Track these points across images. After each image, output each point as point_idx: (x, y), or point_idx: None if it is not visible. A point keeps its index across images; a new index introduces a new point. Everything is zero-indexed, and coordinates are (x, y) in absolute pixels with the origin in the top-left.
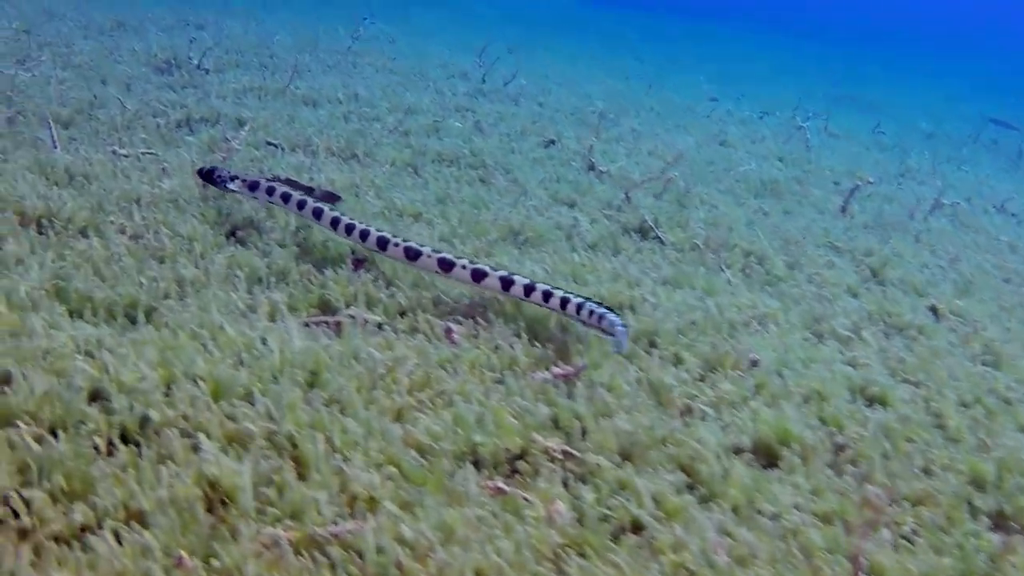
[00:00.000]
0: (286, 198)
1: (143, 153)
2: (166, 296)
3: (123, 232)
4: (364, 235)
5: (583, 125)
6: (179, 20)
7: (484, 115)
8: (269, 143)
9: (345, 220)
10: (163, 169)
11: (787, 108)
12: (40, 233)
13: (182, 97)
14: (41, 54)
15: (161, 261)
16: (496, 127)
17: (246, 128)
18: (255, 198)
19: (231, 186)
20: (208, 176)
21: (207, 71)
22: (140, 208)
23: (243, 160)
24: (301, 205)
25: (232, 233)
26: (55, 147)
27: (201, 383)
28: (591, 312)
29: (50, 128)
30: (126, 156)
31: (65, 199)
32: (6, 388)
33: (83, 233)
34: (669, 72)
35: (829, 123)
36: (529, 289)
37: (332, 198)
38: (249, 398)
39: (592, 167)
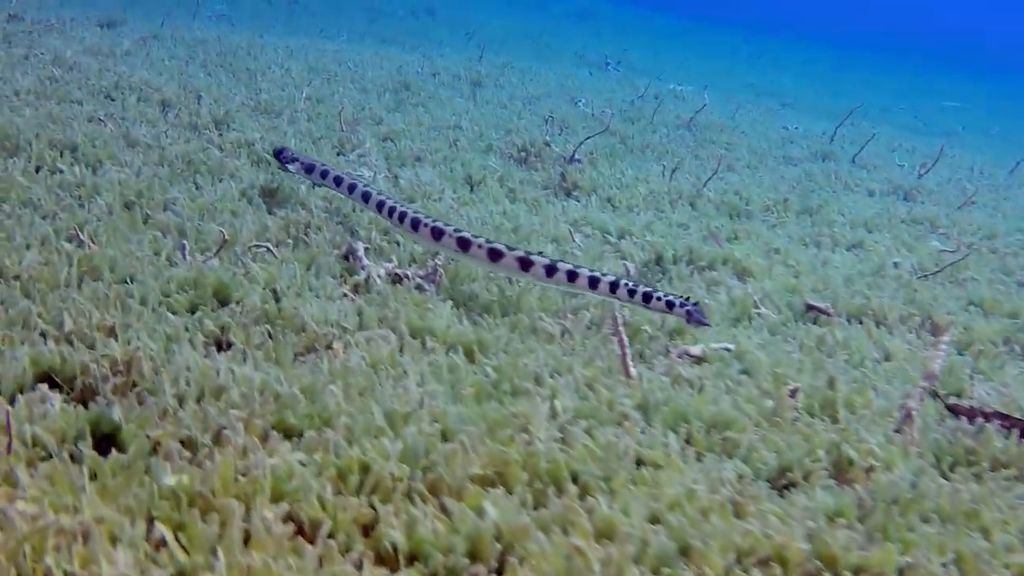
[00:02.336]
0: (338, 181)
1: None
2: None
3: None
4: (402, 217)
5: None
6: (453, 76)
7: (971, 233)
8: (812, 307)
9: (389, 203)
10: (772, 391)
11: None
12: None
13: (603, 216)
14: (358, 133)
15: None
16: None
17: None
18: (311, 179)
19: (291, 168)
20: (278, 155)
21: (579, 161)
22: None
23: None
24: (352, 188)
25: None
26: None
27: None
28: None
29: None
30: (698, 361)
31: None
32: None
33: None
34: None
35: None
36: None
37: None
38: None
39: None
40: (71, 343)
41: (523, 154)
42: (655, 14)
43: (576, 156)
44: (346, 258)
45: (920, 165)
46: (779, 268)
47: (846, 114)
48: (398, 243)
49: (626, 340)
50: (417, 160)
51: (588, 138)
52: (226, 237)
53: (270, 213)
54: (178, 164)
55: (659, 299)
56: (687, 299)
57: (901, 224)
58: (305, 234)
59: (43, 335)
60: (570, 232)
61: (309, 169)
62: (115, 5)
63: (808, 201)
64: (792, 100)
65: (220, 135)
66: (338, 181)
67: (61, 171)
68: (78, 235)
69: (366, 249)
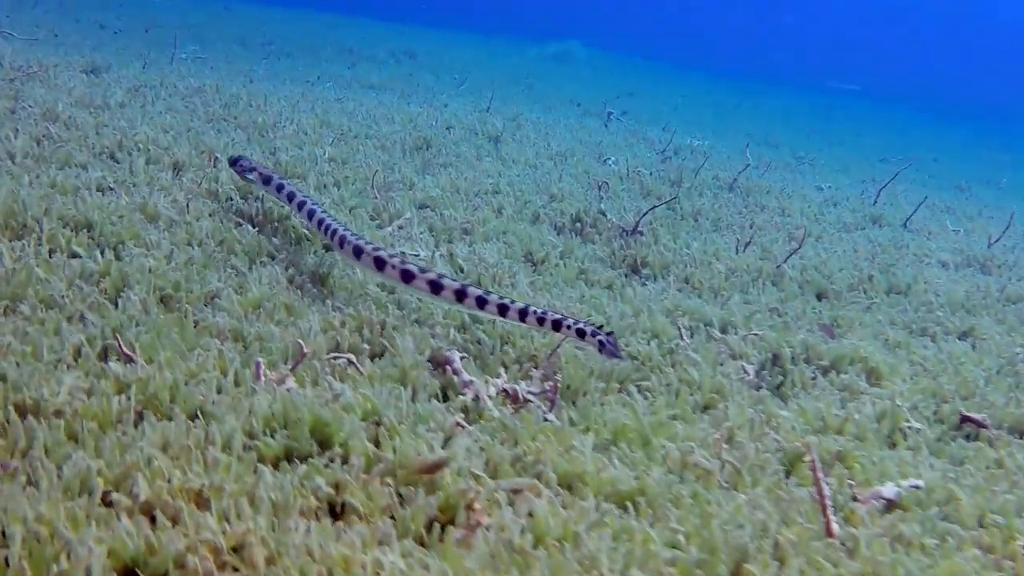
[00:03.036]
0: (291, 196)
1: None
2: None
3: None
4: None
5: None
6: (468, 131)
7: None
8: (968, 419)
9: (341, 231)
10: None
11: None
12: None
13: (696, 304)
14: (393, 200)
15: None
16: None
17: None
18: (267, 191)
19: (249, 176)
20: (233, 163)
21: (641, 233)
22: None
23: None
24: (301, 205)
25: None
26: (829, 520)
27: None
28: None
29: None
30: (891, 505)
31: None
32: None
33: None
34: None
35: None
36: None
37: None
38: None
39: None
40: (152, 518)
41: (577, 224)
42: (623, 55)
43: (639, 227)
44: (430, 362)
45: (975, 231)
46: (906, 367)
47: (880, 174)
48: (479, 341)
49: (827, 490)
50: (465, 233)
51: (655, 207)
52: (305, 351)
53: (335, 309)
54: (209, 243)
55: (568, 327)
56: (599, 327)
57: (998, 304)
58: (381, 335)
59: (107, 503)
60: (679, 329)
61: (267, 180)
62: (87, 47)
63: (893, 278)
64: (804, 154)
65: (247, 204)
66: (291, 197)
67: (78, 255)
68: (119, 346)
69: (461, 358)
